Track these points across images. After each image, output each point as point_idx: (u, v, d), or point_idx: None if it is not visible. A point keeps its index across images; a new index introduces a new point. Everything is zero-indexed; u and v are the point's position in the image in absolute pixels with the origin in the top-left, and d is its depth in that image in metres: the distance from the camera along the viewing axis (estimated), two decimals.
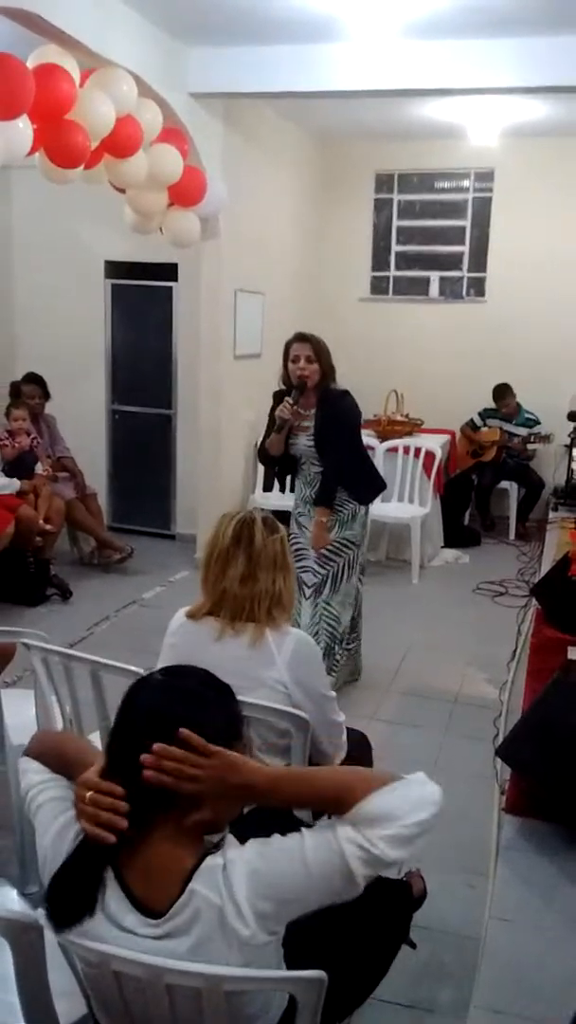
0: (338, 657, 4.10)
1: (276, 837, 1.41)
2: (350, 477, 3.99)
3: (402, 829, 1.38)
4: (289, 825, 1.45)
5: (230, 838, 1.43)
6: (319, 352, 3.84)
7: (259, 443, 4.10)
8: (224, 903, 1.34)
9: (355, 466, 4.05)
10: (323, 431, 3.89)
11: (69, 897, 1.37)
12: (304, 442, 3.95)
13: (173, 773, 1.35)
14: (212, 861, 1.38)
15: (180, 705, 1.43)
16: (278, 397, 3.95)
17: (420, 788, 1.45)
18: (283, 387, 3.94)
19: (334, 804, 1.43)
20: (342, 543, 4.02)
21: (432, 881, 2.40)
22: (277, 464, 4.10)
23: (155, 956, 1.33)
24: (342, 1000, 1.78)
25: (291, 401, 3.84)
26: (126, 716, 1.45)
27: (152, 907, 1.36)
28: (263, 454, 4.08)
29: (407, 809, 1.40)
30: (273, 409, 3.94)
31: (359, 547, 4.09)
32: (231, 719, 1.50)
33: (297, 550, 3.92)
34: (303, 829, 1.42)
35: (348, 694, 4.13)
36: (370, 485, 4.13)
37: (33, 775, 1.57)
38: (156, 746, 1.35)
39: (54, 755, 1.60)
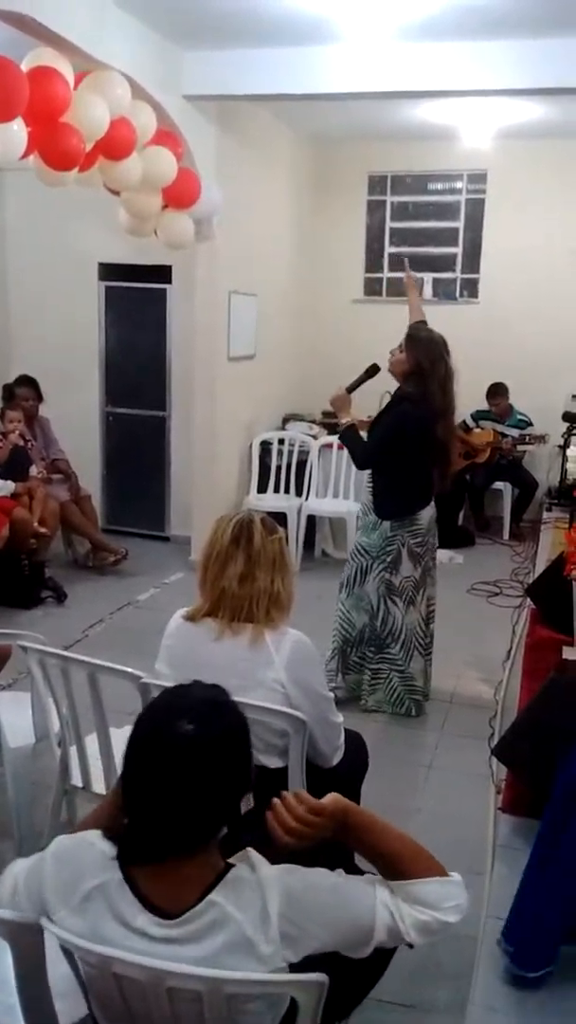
0: (353, 662, 4.10)
1: (320, 870, 1.45)
2: (378, 487, 3.94)
3: (434, 920, 1.45)
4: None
5: (256, 855, 1.44)
6: (412, 344, 3.83)
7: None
8: (246, 918, 1.35)
9: (384, 475, 3.91)
10: (372, 425, 3.97)
11: None
12: None
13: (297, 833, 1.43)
14: (238, 874, 1.39)
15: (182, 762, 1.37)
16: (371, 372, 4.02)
17: (461, 892, 1.50)
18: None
19: (384, 864, 1.50)
20: (357, 548, 4.02)
21: None
22: None
23: (164, 959, 1.33)
24: (340, 1000, 1.78)
25: (349, 385, 3.94)
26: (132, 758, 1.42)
27: (165, 908, 1.37)
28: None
29: (447, 906, 1.47)
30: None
31: (375, 559, 3.93)
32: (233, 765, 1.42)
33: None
34: (342, 872, 1.48)
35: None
36: (395, 504, 3.92)
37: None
38: (274, 814, 1.45)
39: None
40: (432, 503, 4.03)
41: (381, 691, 4.08)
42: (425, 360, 3.78)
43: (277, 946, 1.35)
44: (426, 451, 3.84)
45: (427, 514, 3.99)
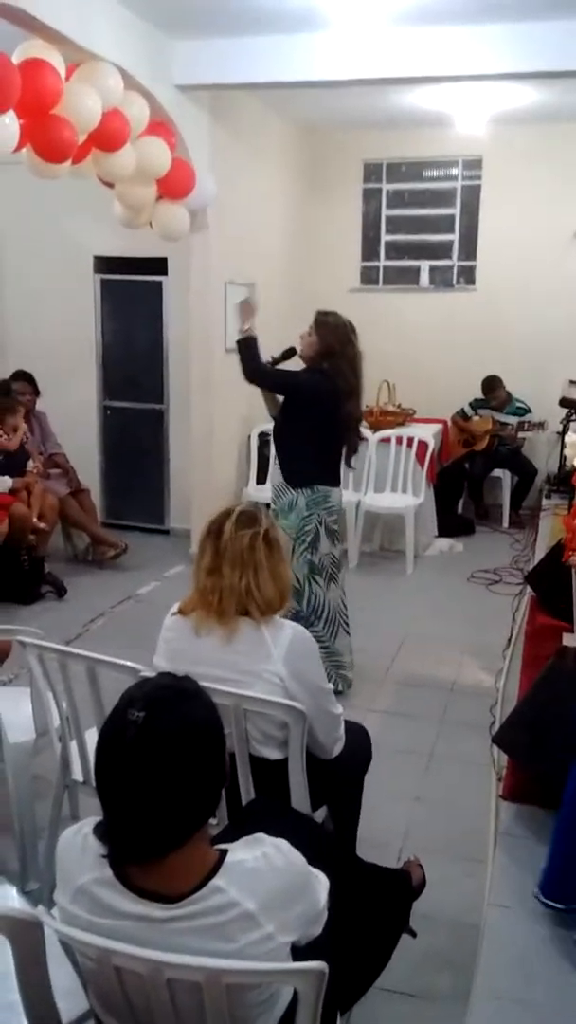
0: None
1: (300, 857, 1.47)
2: (288, 457, 4.01)
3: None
4: (291, 820, 1.46)
5: (259, 836, 1.46)
6: (321, 327, 3.89)
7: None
8: (245, 900, 1.35)
9: (294, 444, 4.00)
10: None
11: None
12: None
13: None
14: (235, 857, 1.40)
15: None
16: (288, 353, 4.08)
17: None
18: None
19: None
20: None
21: (431, 870, 2.41)
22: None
23: (168, 938, 1.34)
24: (344, 991, 1.78)
25: (270, 360, 4.02)
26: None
27: (163, 894, 1.37)
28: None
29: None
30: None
31: (295, 541, 3.90)
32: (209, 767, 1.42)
33: None
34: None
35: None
36: (298, 470, 3.98)
37: None
38: None
39: None
40: (340, 487, 4.11)
41: None
42: (336, 342, 3.88)
43: (273, 927, 1.37)
44: (336, 425, 3.92)
45: (337, 493, 4.07)
